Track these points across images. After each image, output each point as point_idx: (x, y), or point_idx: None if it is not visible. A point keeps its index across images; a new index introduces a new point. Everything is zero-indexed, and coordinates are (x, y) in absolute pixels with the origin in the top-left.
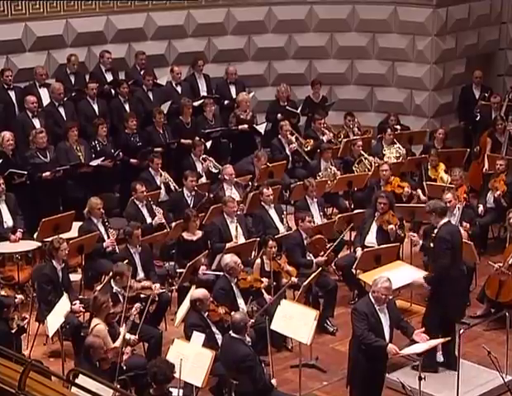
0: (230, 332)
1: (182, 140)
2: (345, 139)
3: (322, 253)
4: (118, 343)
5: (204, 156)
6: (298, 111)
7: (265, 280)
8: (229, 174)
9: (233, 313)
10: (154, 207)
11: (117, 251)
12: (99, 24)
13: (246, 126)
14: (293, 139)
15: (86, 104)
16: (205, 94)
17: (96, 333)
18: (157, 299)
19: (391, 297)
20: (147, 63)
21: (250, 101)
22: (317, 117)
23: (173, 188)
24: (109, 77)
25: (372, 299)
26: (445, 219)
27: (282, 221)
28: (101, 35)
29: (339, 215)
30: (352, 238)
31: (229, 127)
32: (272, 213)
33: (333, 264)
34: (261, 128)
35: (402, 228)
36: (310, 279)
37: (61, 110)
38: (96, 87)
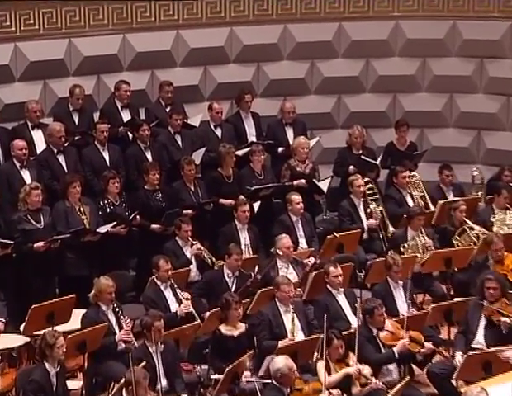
0: None
1: (221, 200)
2: (442, 202)
3: (402, 334)
4: None
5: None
6: (377, 163)
7: (334, 391)
8: (285, 247)
9: None
10: (179, 291)
11: (135, 344)
12: (112, 45)
13: (304, 181)
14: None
15: (93, 151)
16: (253, 139)
17: None
18: None
19: None
20: (175, 96)
21: (311, 147)
22: (399, 169)
23: (209, 263)
24: (125, 115)
25: None
26: None
27: (354, 311)
28: (114, 60)
29: (434, 305)
30: (450, 337)
31: (283, 182)
32: (342, 300)
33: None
34: (324, 184)
35: None
36: (394, 391)
37: (60, 158)
38: (107, 129)
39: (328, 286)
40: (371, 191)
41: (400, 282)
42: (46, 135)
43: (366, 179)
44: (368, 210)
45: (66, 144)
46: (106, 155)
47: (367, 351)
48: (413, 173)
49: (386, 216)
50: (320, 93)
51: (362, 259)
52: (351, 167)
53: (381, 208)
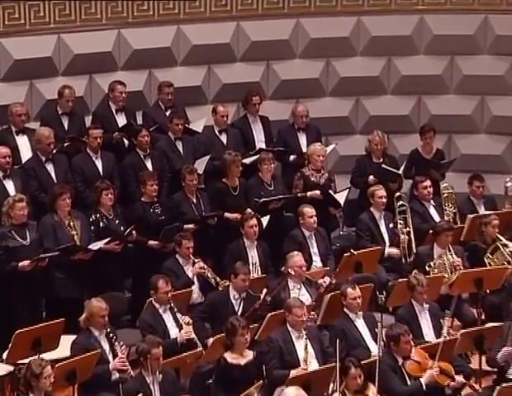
0: None
1: (226, 214)
2: (472, 216)
3: (431, 364)
4: None
5: None
6: (400, 172)
7: None
8: (297, 266)
9: None
10: (179, 315)
11: (131, 374)
12: (106, 42)
13: (318, 192)
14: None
15: (85, 159)
16: (262, 145)
17: None
18: None
19: None
20: (176, 99)
21: (327, 155)
22: (419, 179)
23: (213, 283)
24: (120, 119)
25: None
26: None
27: (374, 337)
28: (108, 59)
29: (463, 330)
30: (482, 366)
31: (295, 194)
32: (360, 324)
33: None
34: (340, 196)
35: None
36: None
37: (49, 167)
38: (100, 135)
39: (345, 309)
40: (401, 208)
41: (426, 305)
42: (33, 142)
43: (397, 194)
44: (391, 225)
45: (55, 152)
46: (98, 164)
47: (391, 382)
48: (446, 185)
49: (413, 238)
50: (337, 95)
51: (382, 279)
52: (371, 178)
53: (409, 229)
